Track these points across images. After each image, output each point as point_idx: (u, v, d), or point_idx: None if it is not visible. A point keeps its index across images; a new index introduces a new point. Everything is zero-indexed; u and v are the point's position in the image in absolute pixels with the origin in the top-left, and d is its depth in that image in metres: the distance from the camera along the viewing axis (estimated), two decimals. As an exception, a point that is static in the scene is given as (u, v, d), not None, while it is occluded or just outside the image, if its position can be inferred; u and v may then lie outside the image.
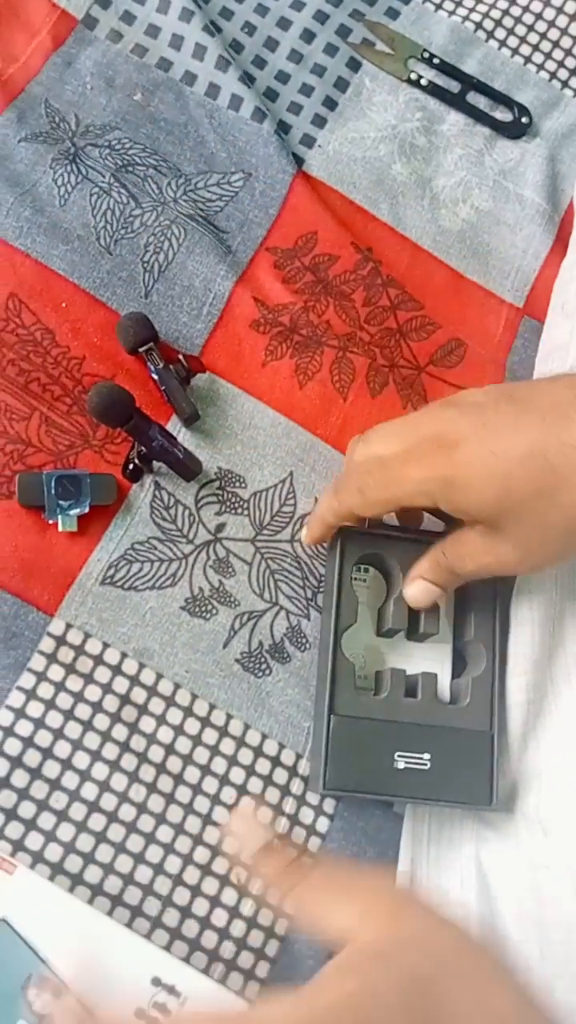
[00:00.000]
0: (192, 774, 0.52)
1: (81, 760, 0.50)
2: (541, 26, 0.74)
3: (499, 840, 0.49)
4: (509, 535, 0.44)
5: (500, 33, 0.74)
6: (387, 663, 0.54)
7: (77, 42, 0.66)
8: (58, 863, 0.48)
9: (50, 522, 0.53)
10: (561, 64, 0.74)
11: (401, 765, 0.48)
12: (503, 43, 0.74)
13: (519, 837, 0.48)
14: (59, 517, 0.53)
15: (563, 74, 0.74)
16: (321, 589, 0.56)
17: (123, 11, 0.68)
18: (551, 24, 0.74)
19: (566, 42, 0.74)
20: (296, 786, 0.53)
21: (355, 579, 0.54)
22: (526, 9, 0.74)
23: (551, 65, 0.74)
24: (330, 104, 0.69)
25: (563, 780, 0.47)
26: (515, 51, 0.74)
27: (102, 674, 0.52)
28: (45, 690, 0.51)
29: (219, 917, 0.49)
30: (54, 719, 0.51)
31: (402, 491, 0.44)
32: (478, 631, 0.53)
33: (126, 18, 0.67)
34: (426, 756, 0.49)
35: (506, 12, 0.74)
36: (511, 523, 0.43)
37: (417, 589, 0.49)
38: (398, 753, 0.49)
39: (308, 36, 0.70)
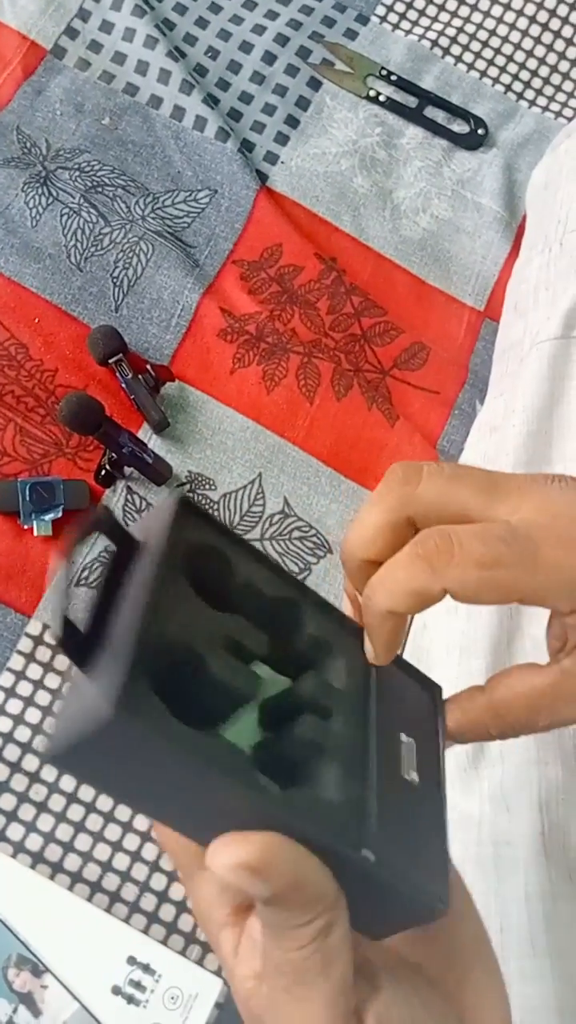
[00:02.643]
0: (167, 765, 0.53)
1: (59, 754, 0.52)
2: (495, 42, 0.77)
3: (461, 817, 0.50)
4: None
5: (456, 49, 0.77)
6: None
7: (47, 71, 0.69)
8: (39, 852, 0.50)
9: (25, 527, 0.55)
10: (515, 77, 0.77)
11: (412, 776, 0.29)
12: (459, 59, 0.77)
13: (482, 813, 0.49)
14: (34, 522, 0.55)
15: (517, 87, 0.77)
16: None
17: (90, 40, 0.71)
18: (504, 40, 0.77)
19: (519, 56, 0.77)
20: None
21: None
22: (480, 26, 0.77)
23: (506, 78, 0.77)
24: (292, 122, 0.72)
25: (525, 758, 0.49)
26: (471, 66, 0.77)
27: (79, 671, 0.54)
28: (24, 688, 0.53)
29: (195, 901, 0.51)
30: (33, 715, 0.53)
31: (550, 580, 0.30)
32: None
33: (93, 47, 0.70)
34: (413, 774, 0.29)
35: (460, 29, 0.77)
36: None
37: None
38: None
39: (269, 58, 0.73)
